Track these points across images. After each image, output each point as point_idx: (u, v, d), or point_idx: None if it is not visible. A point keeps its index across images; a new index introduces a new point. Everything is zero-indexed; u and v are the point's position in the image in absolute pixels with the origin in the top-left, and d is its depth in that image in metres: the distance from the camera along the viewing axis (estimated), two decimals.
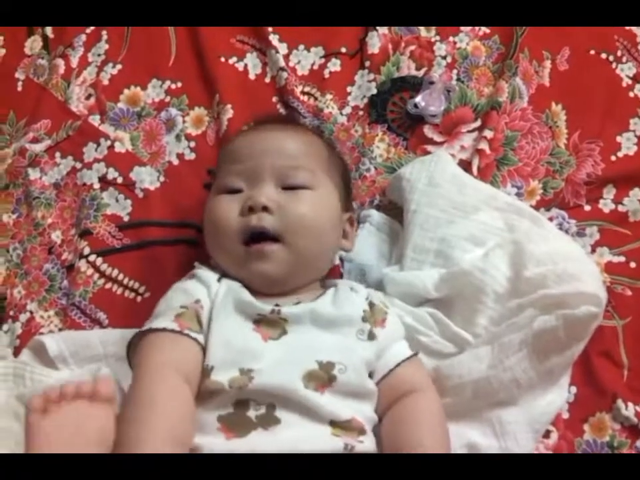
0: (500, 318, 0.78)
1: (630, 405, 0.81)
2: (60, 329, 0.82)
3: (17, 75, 0.96)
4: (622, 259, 0.87)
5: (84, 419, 0.61)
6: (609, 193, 0.89)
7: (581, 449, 0.80)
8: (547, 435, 0.80)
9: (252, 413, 0.62)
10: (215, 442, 0.60)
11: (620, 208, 0.88)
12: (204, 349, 0.65)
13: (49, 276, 0.85)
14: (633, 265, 0.86)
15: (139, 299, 0.84)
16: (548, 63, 0.95)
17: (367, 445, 0.66)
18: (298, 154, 0.75)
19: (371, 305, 0.74)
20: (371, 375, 0.71)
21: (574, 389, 0.82)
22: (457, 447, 0.74)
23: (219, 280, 0.71)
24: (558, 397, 0.80)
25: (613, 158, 0.90)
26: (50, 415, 0.61)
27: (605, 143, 0.91)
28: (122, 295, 0.84)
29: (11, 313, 0.83)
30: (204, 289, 0.70)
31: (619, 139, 0.91)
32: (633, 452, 0.80)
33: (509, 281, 0.79)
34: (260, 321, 0.67)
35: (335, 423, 0.64)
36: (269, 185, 0.72)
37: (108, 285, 0.85)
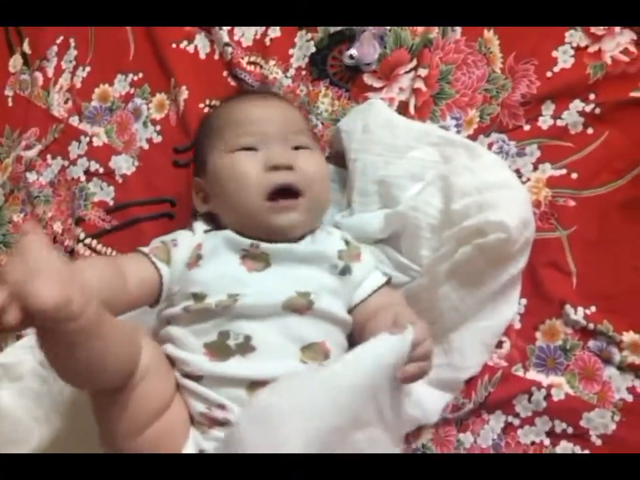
0: (439, 247, 0.85)
1: (579, 309, 0.86)
2: None
3: (6, 93, 1.09)
4: (564, 171, 0.89)
5: None
6: (548, 109, 0.91)
7: (534, 355, 0.87)
8: (499, 345, 0.87)
9: (231, 342, 0.72)
10: (200, 360, 0.72)
11: (559, 122, 0.90)
12: (162, 279, 0.75)
13: None
14: (574, 175, 0.89)
15: None
16: None
17: None
18: (296, 120, 0.85)
19: (347, 242, 0.84)
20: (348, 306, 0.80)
21: (524, 301, 0.87)
22: None
23: (208, 231, 0.81)
24: (507, 311, 0.86)
25: (549, 74, 0.91)
26: None
27: (539, 61, 0.92)
28: None
29: None
30: (189, 232, 0.81)
31: (554, 53, 0.91)
32: (586, 352, 0.86)
33: (441, 213, 0.84)
34: (245, 256, 0.77)
35: (304, 348, 0.74)
36: (282, 146, 0.80)
37: None
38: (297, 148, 0.82)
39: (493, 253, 0.79)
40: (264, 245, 0.77)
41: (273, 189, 0.78)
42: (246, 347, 0.72)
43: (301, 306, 0.74)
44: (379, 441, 0.69)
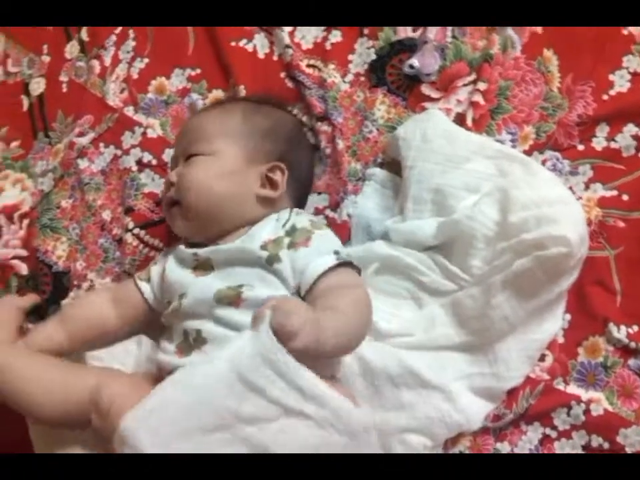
0: (492, 259, 0.86)
1: (622, 327, 0.88)
2: None
3: (61, 78, 1.09)
4: (615, 192, 0.92)
5: None
6: (602, 131, 0.93)
7: (575, 370, 0.88)
8: (542, 358, 0.88)
9: (191, 339, 0.79)
10: (171, 358, 0.79)
11: (612, 145, 0.92)
12: (143, 295, 0.87)
13: (103, 249, 1.01)
14: (625, 197, 0.91)
15: None
16: None
17: None
18: (197, 129, 0.88)
19: (292, 229, 0.81)
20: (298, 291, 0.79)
21: (568, 317, 0.89)
22: (452, 380, 0.84)
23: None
24: (553, 325, 0.88)
25: (605, 97, 0.94)
26: None
27: (596, 83, 0.94)
28: None
29: (75, 282, 0.98)
30: (168, 249, 0.90)
31: (611, 77, 0.94)
32: (626, 370, 0.88)
33: (497, 224, 0.86)
34: (197, 265, 0.83)
35: None
36: (179, 164, 0.88)
37: (152, 253, 0.99)
38: (190, 157, 0.86)
39: (552, 267, 0.80)
40: (201, 251, 0.83)
41: (168, 204, 0.88)
42: (200, 341, 0.78)
43: (231, 298, 0.78)
44: (295, 430, 0.68)
